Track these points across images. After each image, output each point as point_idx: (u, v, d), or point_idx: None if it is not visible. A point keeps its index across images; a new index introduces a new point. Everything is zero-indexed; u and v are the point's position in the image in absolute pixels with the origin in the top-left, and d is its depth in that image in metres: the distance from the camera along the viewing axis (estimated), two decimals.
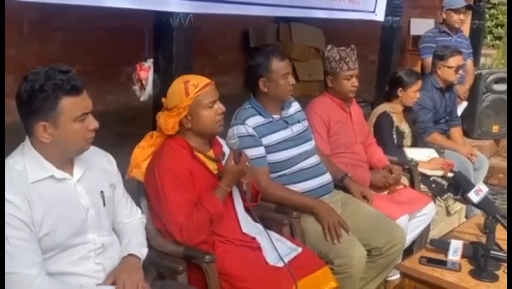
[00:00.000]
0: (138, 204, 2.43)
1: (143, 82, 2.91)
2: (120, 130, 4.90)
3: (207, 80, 2.47)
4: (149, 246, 2.31)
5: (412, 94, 3.97)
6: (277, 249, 2.43)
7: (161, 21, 2.81)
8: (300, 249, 2.52)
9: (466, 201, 2.65)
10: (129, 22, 5.21)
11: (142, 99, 2.98)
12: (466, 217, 4.15)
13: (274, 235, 2.56)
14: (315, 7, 3.94)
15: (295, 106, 3.12)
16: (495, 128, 5.61)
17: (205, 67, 6.08)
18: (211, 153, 2.55)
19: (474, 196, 2.56)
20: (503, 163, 5.75)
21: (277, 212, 2.81)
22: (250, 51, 7.09)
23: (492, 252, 2.56)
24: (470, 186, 2.62)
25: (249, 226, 2.56)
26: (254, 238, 2.50)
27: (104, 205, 2.06)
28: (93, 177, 2.05)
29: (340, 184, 3.17)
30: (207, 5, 2.98)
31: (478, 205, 2.59)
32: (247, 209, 2.61)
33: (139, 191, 2.50)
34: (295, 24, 6.98)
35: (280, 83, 2.88)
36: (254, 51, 3.06)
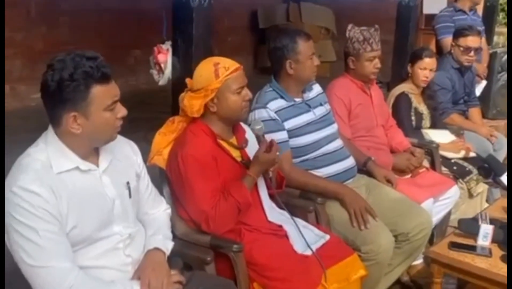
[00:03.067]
0: (160, 192, 2.35)
1: (162, 65, 2.80)
2: (130, 114, 4.81)
3: (237, 64, 2.37)
4: (174, 235, 2.24)
5: (418, 71, 3.84)
6: (305, 237, 2.36)
7: (180, 2, 2.70)
8: (328, 237, 2.45)
9: (498, 184, 2.58)
10: (139, 5, 5.14)
11: (161, 83, 2.89)
12: (487, 200, 4.08)
13: (300, 222, 2.49)
14: None
15: (317, 89, 3.03)
16: None
17: (214, 48, 6.01)
18: (234, 140, 2.46)
19: (506, 180, 2.49)
20: None
21: (301, 198, 2.73)
22: (259, 32, 6.99)
23: None
24: (502, 169, 2.54)
25: (274, 213, 2.49)
26: (280, 226, 2.42)
27: (130, 196, 1.98)
28: (119, 168, 1.97)
29: (363, 168, 3.09)
30: None
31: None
32: (271, 196, 2.54)
33: (161, 178, 2.42)
34: (305, 4, 6.86)
35: (307, 64, 2.80)
36: (274, 32, 2.96)
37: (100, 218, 1.86)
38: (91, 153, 1.89)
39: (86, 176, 1.85)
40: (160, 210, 2.21)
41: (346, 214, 2.70)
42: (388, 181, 3.06)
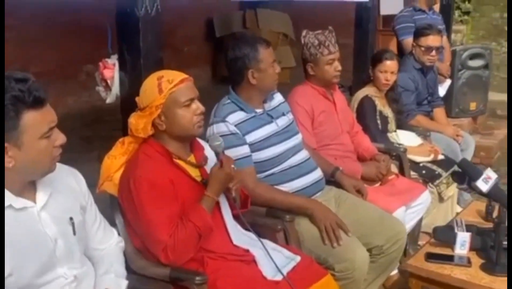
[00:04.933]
0: (112, 221, 2.13)
1: (108, 81, 2.58)
2: (85, 133, 4.59)
3: (184, 76, 2.17)
4: (129, 270, 2.03)
5: (378, 74, 3.74)
6: (274, 260, 2.16)
7: (124, 12, 2.47)
8: (298, 258, 2.26)
9: (473, 190, 2.45)
10: (88, 16, 4.87)
11: (108, 101, 2.67)
12: (458, 202, 4.00)
13: (268, 244, 2.29)
14: None
15: (278, 98, 2.86)
16: (473, 106, 5.45)
17: (170, 60, 5.76)
18: (192, 158, 2.26)
19: (482, 185, 2.36)
20: (483, 140, 5.65)
21: (268, 217, 2.55)
22: (216, 41, 6.81)
23: (504, 242, 2.36)
24: (477, 173, 2.40)
25: (240, 236, 2.29)
26: (247, 250, 2.22)
27: (74, 233, 1.76)
28: (60, 202, 1.75)
29: (331, 179, 2.93)
30: None
31: (487, 194, 2.39)
32: (236, 217, 2.34)
33: (112, 206, 2.20)
34: (262, 10, 6.72)
35: (269, 72, 2.63)
36: (231, 41, 2.77)
37: (40, 262, 1.63)
38: (26, 187, 1.66)
39: (21, 214, 1.62)
40: (111, 244, 1.98)
41: (316, 231, 2.52)
42: (358, 191, 2.91)
